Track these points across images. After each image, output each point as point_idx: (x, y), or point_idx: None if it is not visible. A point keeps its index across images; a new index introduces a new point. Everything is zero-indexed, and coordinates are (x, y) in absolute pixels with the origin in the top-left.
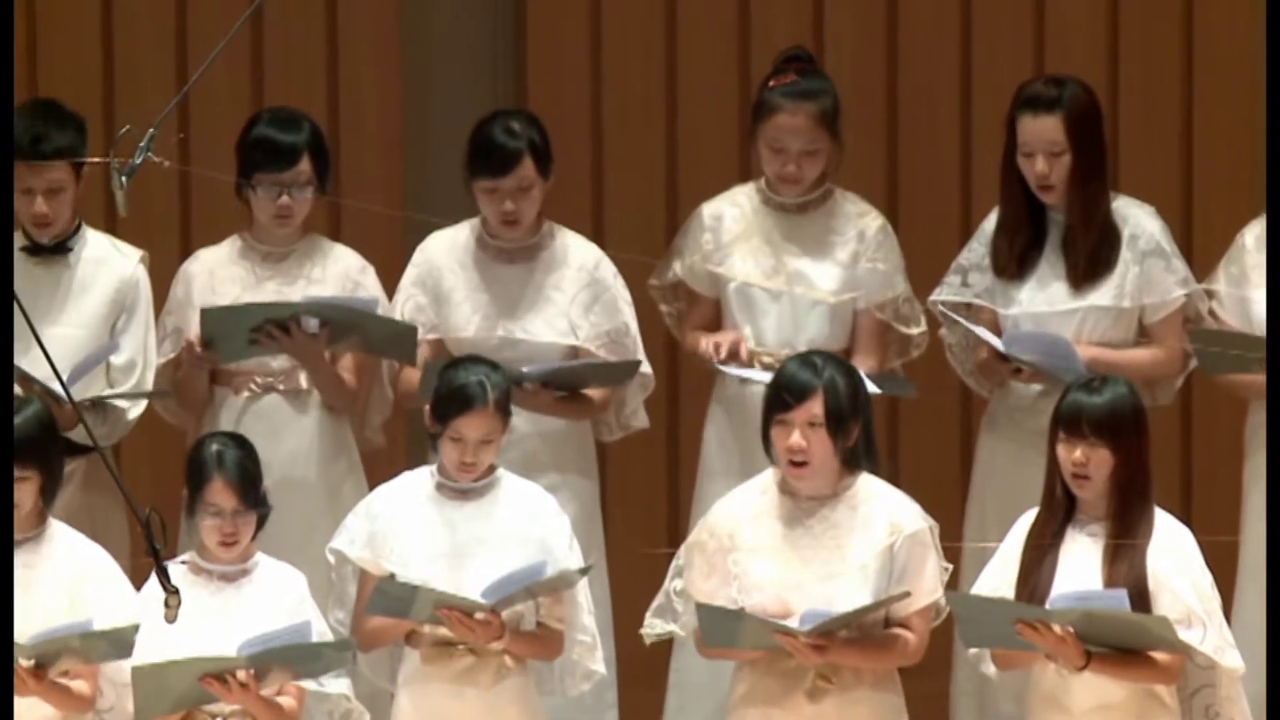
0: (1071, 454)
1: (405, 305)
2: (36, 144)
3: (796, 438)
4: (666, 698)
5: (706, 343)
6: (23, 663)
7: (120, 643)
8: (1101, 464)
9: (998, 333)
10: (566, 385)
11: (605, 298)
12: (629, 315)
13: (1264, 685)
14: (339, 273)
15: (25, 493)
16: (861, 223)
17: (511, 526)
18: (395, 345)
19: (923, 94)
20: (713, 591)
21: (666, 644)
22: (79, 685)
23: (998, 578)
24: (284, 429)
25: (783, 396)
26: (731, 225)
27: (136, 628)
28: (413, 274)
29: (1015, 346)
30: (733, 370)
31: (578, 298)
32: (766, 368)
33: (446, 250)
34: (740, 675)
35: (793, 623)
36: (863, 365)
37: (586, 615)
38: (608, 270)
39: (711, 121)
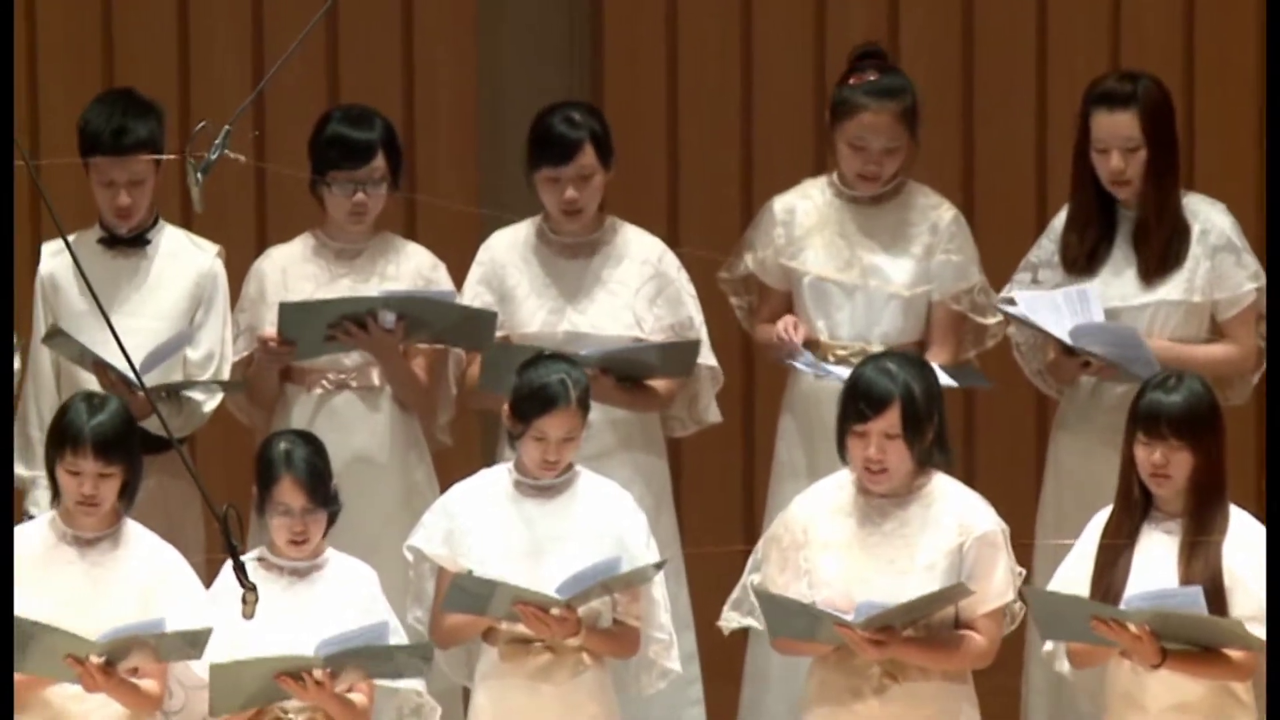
0: (1151, 455)
1: (472, 304)
2: (119, 136)
3: (874, 450)
4: (741, 691)
5: (782, 324)
6: (93, 659)
7: (193, 643)
8: (1181, 464)
9: None
10: (625, 370)
11: (669, 291)
12: (693, 308)
13: None
14: (411, 269)
15: (108, 490)
16: (934, 215)
17: (588, 523)
18: (472, 335)
19: (997, 87)
20: (785, 585)
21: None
22: (148, 684)
23: (1073, 575)
24: (356, 426)
25: (860, 408)
26: (804, 219)
27: (210, 631)
28: (477, 272)
29: (1083, 339)
30: (803, 366)
31: (642, 290)
32: (840, 361)
33: (509, 247)
34: (812, 671)
35: (850, 617)
36: (937, 357)
37: (663, 613)
38: (671, 263)
39: (786, 113)
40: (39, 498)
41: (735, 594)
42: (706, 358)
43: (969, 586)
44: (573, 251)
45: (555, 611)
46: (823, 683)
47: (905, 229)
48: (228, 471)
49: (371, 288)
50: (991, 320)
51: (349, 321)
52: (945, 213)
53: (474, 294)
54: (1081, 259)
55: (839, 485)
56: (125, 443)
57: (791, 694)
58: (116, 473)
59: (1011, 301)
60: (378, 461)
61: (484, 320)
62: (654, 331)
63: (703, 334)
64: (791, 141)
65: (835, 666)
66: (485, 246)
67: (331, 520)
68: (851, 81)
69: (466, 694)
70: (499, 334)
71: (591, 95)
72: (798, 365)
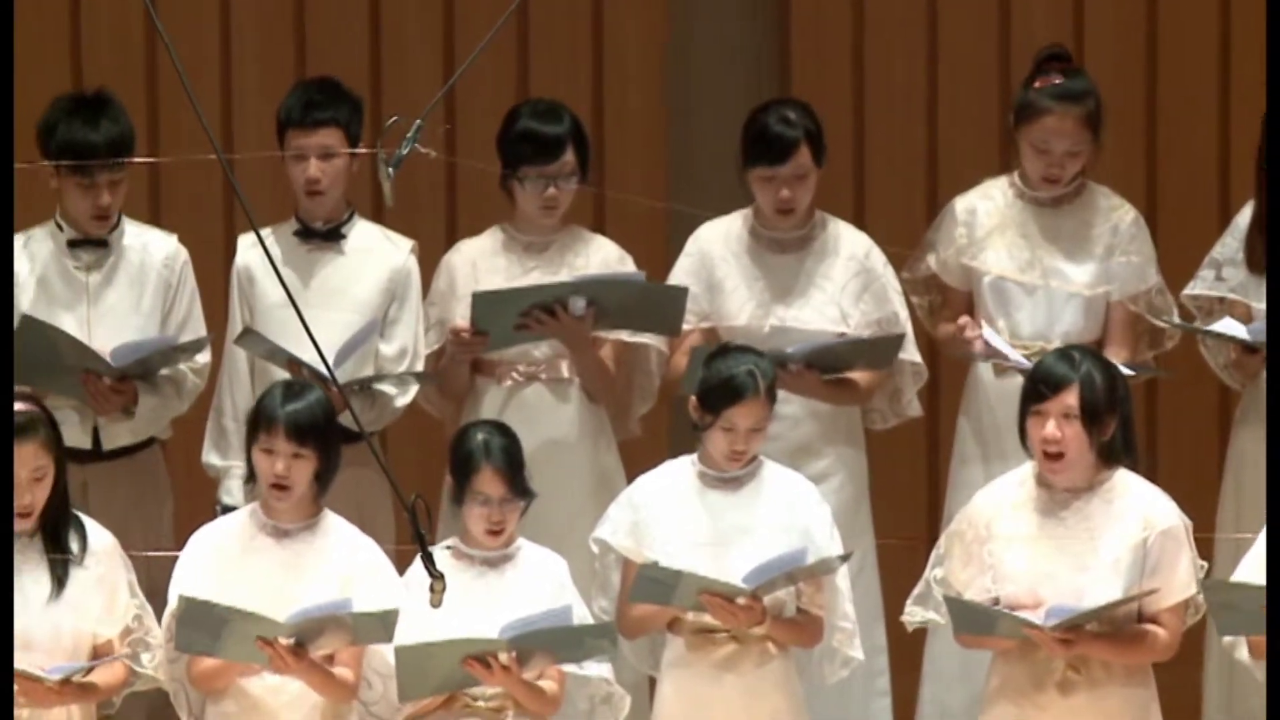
0: None
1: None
2: (311, 109)
3: (1051, 428)
4: (921, 688)
5: (963, 320)
6: (282, 641)
7: (382, 624)
8: None
9: None
10: (830, 365)
11: (875, 287)
12: (899, 304)
13: None
14: (599, 262)
15: (301, 472)
16: (1115, 216)
17: (773, 514)
18: (663, 318)
19: (1182, 88)
20: (969, 580)
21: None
22: (342, 672)
23: (1256, 568)
24: (545, 418)
25: (1039, 388)
26: (985, 219)
27: (398, 612)
28: (685, 263)
29: (1262, 337)
30: (990, 340)
31: (848, 286)
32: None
33: (720, 240)
34: (994, 666)
35: (1038, 617)
36: (1115, 357)
37: (847, 602)
38: (878, 259)
39: (971, 113)
40: (231, 487)
41: (918, 589)
42: (910, 353)
43: (1153, 581)
44: (782, 246)
45: (741, 601)
46: (1005, 678)
47: (1086, 230)
48: (419, 462)
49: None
50: (1167, 322)
51: (539, 310)
52: (1126, 214)
53: (680, 284)
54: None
55: (1020, 481)
56: (320, 428)
57: (972, 689)
58: (309, 456)
59: (1200, 299)
60: (567, 452)
61: (675, 301)
62: (859, 326)
63: (907, 329)
64: (977, 139)
65: (1018, 661)
66: (694, 238)
67: (524, 510)
68: (1036, 84)
69: (652, 685)
70: (705, 325)
71: (779, 90)
72: (981, 355)
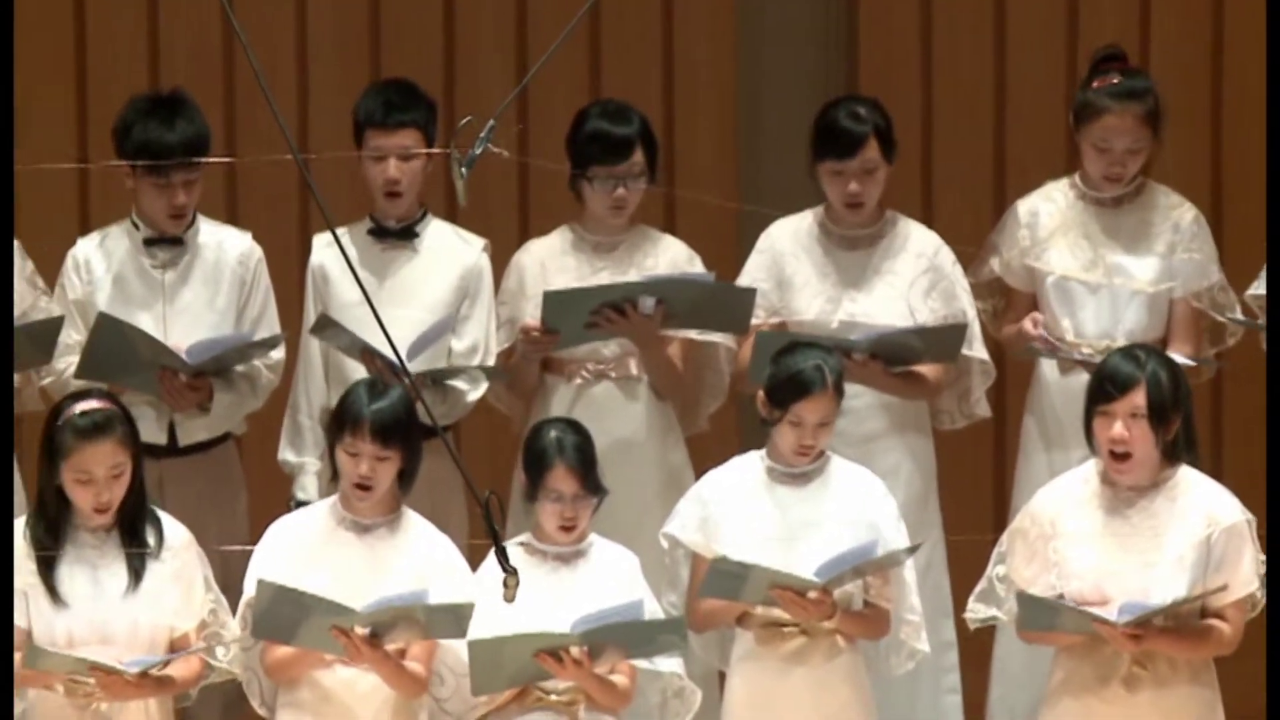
0: None
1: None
2: (389, 112)
3: (1119, 429)
4: (989, 686)
5: (1029, 319)
6: (358, 630)
7: (457, 618)
8: None
9: None
10: (895, 356)
11: (943, 285)
12: (966, 301)
13: None
14: (667, 262)
15: (385, 473)
16: (1175, 214)
17: (841, 509)
18: (731, 317)
19: (1247, 88)
20: (1033, 577)
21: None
22: (414, 666)
23: None
24: (614, 415)
25: (1106, 388)
26: (1047, 221)
27: (472, 606)
28: (757, 260)
29: None
30: (1049, 341)
31: (916, 283)
32: (1085, 360)
33: (790, 237)
34: (1058, 662)
35: (1109, 612)
36: (1178, 353)
37: (913, 595)
38: (946, 257)
39: (1038, 112)
40: (306, 484)
41: (980, 586)
42: (978, 351)
43: (1217, 577)
44: (852, 243)
45: (811, 595)
46: (1069, 673)
47: (1147, 229)
48: (491, 458)
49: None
50: (1230, 319)
51: (609, 309)
52: (1186, 212)
53: (752, 280)
54: None
55: (1084, 479)
56: (404, 429)
57: (1038, 689)
58: (393, 457)
59: (1257, 300)
60: (636, 450)
61: (743, 301)
62: (927, 323)
63: (975, 327)
64: (1044, 138)
65: (1082, 657)
66: (765, 235)
67: (596, 507)
68: (1095, 84)
69: (721, 679)
70: (774, 320)
71: (847, 89)
72: (1042, 354)
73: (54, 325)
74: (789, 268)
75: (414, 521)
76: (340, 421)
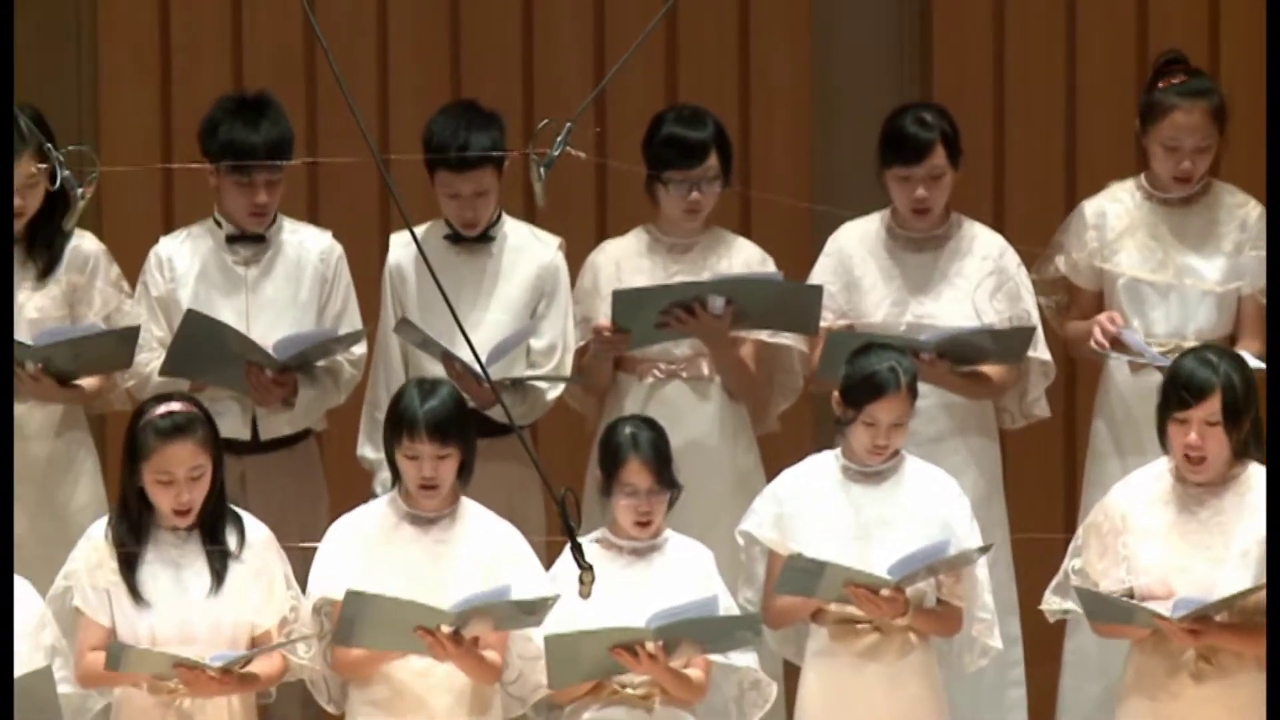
0: None
1: None
2: (462, 150)
3: (1194, 436)
4: (1061, 677)
5: (1105, 316)
6: (444, 629)
7: (537, 611)
8: None
9: None
10: (962, 356)
11: (1008, 286)
12: (1031, 303)
13: None
14: (741, 264)
15: (447, 470)
16: (1241, 212)
17: (915, 508)
18: (800, 316)
19: None
20: (1105, 571)
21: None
22: (491, 655)
23: None
24: (686, 415)
25: (1181, 395)
26: (1115, 222)
27: (557, 598)
28: (825, 263)
29: None
30: (1128, 339)
31: (982, 284)
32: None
33: (858, 240)
34: (1130, 657)
35: (1167, 608)
36: (1247, 350)
37: (986, 593)
38: (1011, 259)
39: (1109, 117)
40: (386, 479)
41: (1057, 579)
42: (1040, 352)
43: None
44: (918, 246)
45: (885, 592)
46: (1140, 668)
47: (1214, 227)
48: (568, 456)
49: None
50: None
51: (679, 308)
52: (1252, 210)
53: (819, 283)
54: None
55: (1156, 475)
56: (459, 423)
57: (1110, 680)
58: (453, 453)
59: None
60: (708, 449)
61: (811, 299)
62: (994, 325)
63: (1038, 329)
64: (1113, 142)
65: (1152, 652)
66: (833, 238)
67: (671, 502)
68: (1160, 85)
69: (789, 675)
70: (842, 322)
71: (921, 93)
72: (1111, 354)
73: (134, 332)
74: (856, 270)
75: (474, 511)
76: (396, 426)
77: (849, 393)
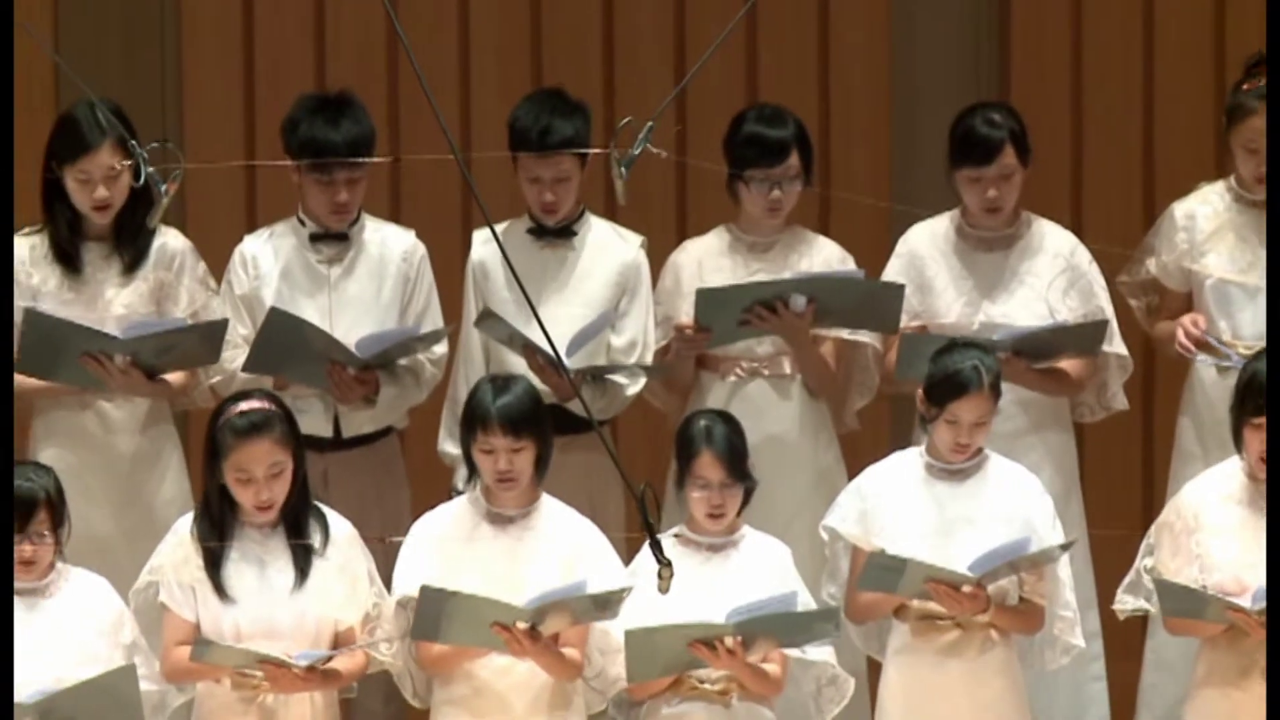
0: None
1: None
2: (545, 135)
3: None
4: (1142, 674)
5: (1189, 318)
6: (520, 625)
7: (611, 604)
8: None
9: None
10: (1038, 352)
11: (1081, 283)
12: (1104, 299)
13: None
14: (821, 262)
15: (524, 463)
16: None
17: (997, 505)
18: (881, 315)
19: None
20: (1177, 569)
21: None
22: (570, 652)
23: None
24: (768, 413)
25: (1259, 401)
26: (1205, 223)
27: (629, 590)
28: (896, 264)
29: None
30: (1215, 345)
31: (1054, 282)
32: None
33: (928, 240)
34: (1201, 654)
35: (1245, 601)
36: None
37: (1068, 591)
38: (1083, 256)
39: (1187, 116)
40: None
41: (1129, 578)
42: (1117, 346)
43: None
44: (989, 245)
45: (967, 589)
46: (1211, 665)
47: None
48: (650, 454)
49: None
50: None
51: (761, 307)
52: None
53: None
54: None
55: (1228, 474)
56: (533, 417)
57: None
58: (528, 446)
59: None
60: (788, 447)
61: (892, 298)
62: (1067, 322)
63: (1113, 324)
64: (1193, 144)
65: (1225, 648)
66: (904, 240)
67: (747, 497)
68: (1245, 87)
69: (871, 670)
70: (915, 323)
71: (999, 93)
72: (1198, 358)
73: (220, 327)
74: (928, 271)
75: (554, 509)
76: (470, 422)
77: (932, 391)
